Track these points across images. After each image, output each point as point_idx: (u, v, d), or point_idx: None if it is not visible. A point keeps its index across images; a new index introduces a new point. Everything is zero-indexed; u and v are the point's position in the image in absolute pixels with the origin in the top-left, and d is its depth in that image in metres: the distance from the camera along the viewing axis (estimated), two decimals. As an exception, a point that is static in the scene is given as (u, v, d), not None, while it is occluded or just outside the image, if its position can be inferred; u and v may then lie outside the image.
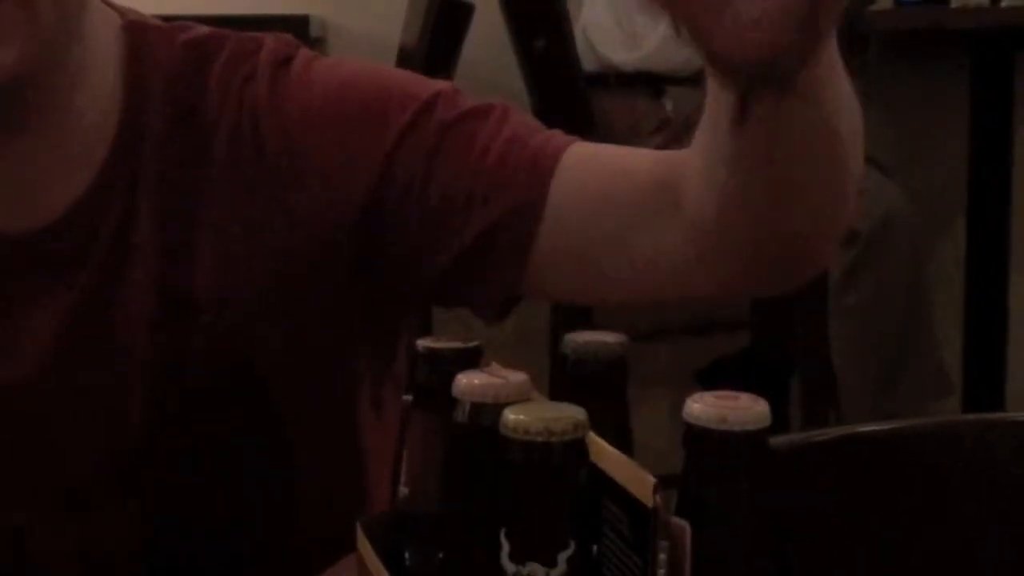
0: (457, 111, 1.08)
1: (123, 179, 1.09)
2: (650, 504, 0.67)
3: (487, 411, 0.72)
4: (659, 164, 1.03)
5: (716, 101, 0.87)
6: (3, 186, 1.09)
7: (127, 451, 1.11)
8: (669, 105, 2.94)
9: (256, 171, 1.09)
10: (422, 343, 0.80)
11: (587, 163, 1.06)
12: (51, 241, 1.09)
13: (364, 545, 0.81)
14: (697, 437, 0.68)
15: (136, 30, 1.12)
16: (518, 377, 0.74)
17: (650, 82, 2.94)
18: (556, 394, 0.76)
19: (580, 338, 0.79)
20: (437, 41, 2.90)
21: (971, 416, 1.41)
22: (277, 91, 1.10)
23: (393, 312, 1.17)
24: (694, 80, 2.88)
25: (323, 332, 1.12)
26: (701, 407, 0.69)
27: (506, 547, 0.68)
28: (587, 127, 2.79)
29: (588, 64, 3.04)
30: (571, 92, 2.90)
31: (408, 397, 0.81)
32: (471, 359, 0.78)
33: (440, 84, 1.11)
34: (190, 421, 1.10)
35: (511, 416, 0.68)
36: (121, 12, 1.14)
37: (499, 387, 0.73)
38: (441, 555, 0.76)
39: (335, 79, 1.10)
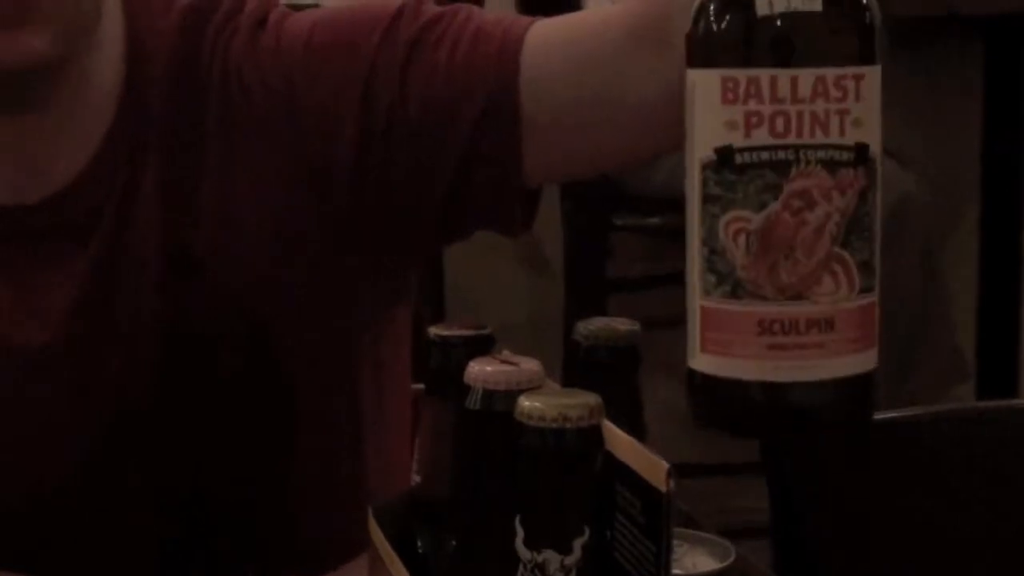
0: (422, 20, 1.08)
1: (127, 144, 1.10)
2: (663, 489, 0.67)
3: (499, 397, 0.72)
4: (634, 8, 1.02)
5: None
6: (14, 159, 1.10)
7: (135, 416, 1.11)
8: None
9: (247, 127, 1.10)
10: (434, 330, 0.80)
11: (554, 33, 1.06)
12: (62, 208, 1.10)
13: (376, 532, 0.81)
14: None
15: None
16: (530, 364, 0.74)
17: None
18: (569, 381, 0.76)
19: (592, 325, 0.79)
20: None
21: (986, 402, 1.41)
22: (254, 44, 1.11)
23: (398, 260, 1.17)
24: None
25: (327, 287, 1.12)
26: None
27: (521, 533, 0.68)
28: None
29: None
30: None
31: (420, 385, 0.81)
32: (483, 346, 0.78)
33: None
34: (196, 384, 1.11)
35: (526, 403, 0.68)
36: None
37: (511, 373, 0.73)
38: (454, 542, 0.76)
39: (304, 23, 1.12)
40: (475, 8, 1.10)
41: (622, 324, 0.79)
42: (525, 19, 1.08)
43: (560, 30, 1.08)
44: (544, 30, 1.07)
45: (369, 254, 1.13)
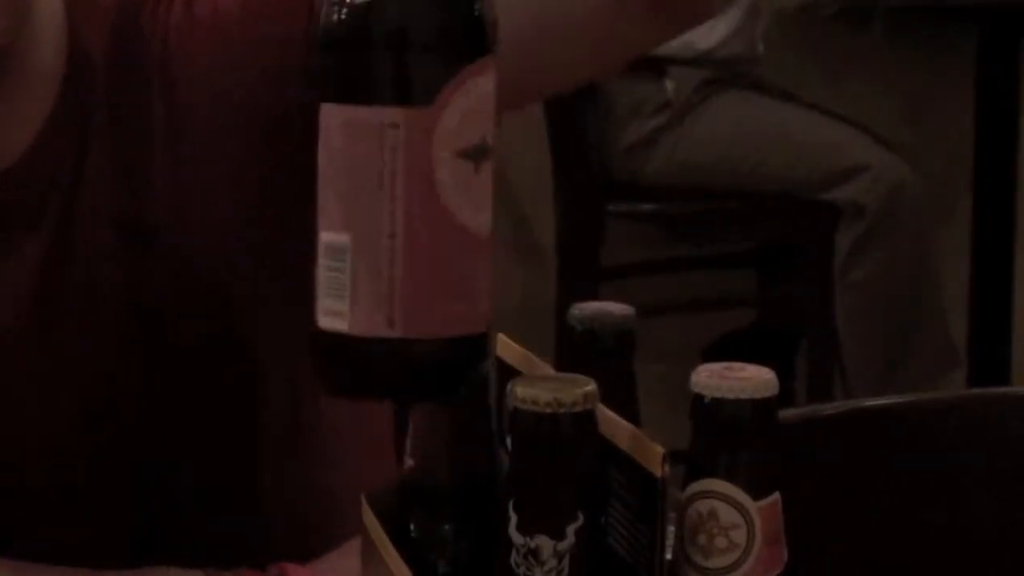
0: None
1: (74, 118, 1.09)
2: (658, 474, 0.67)
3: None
4: None
5: None
6: None
7: (101, 395, 1.11)
8: (670, 87, 2.93)
9: (192, 92, 1.09)
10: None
11: None
12: (12, 188, 1.09)
13: (368, 516, 0.81)
14: (703, 407, 0.69)
15: None
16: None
17: (651, 64, 2.93)
18: (563, 365, 0.76)
19: (587, 309, 0.79)
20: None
21: (977, 390, 1.41)
22: (191, 14, 1.09)
23: None
24: (695, 62, 2.88)
25: (290, 246, 1.11)
26: (708, 377, 0.69)
27: (514, 519, 0.68)
28: (589, 104, 2.79)
29: None
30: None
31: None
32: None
33: None
34: (161, 355, 1.11)
35: (520, 387, 0.68)
36: None
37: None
38: (447, 527, 0.76)
39: None
40: None
41: (617, 309, 0.79)
42: None
43: None
44: None
45: None
